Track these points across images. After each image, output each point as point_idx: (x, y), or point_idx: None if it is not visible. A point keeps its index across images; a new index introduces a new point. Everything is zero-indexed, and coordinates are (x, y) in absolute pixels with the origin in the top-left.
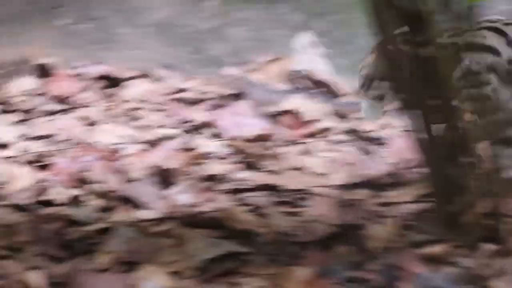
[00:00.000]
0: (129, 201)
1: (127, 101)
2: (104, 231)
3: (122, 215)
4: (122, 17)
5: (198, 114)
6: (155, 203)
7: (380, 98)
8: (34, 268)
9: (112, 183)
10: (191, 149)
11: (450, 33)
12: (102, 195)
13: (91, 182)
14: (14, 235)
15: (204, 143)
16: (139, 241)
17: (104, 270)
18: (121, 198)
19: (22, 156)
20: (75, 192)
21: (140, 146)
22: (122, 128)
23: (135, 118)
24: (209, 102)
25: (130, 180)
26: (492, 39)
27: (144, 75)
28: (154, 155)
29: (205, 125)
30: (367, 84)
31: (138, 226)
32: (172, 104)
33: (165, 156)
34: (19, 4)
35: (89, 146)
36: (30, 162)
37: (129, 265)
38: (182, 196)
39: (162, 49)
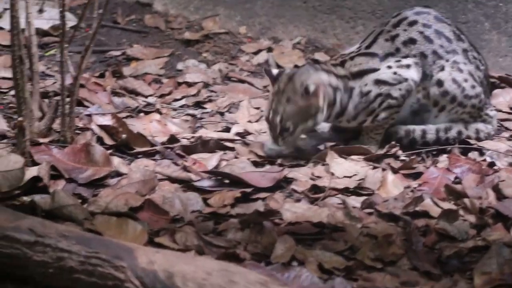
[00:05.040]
0: (505, 219)
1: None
2: (480, 249)
3: (498, 233)
4: (491, 22)
5: None
6: None
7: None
8: (406, 283)
9: (487, 198)
10: None
11: None
12: (477, 211)
13: (464, 196)
14: (387, 247)
15: None
16: None
17: None
18: (496, 215)
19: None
20: (448, 205)
21: (509, 160)
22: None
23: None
24: None
25: (504, 197)
26: None
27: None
28: None
29: None
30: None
31: None
32: None
33: None
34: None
35: (459, 157)
36: (399, 169)
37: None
38: None
39: None
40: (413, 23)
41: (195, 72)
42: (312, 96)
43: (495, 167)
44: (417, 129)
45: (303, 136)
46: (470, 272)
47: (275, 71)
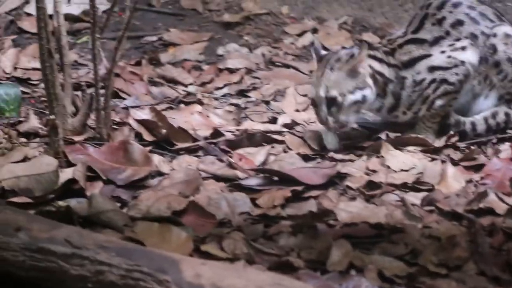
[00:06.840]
0: None
1: None
2: None
3: None
4: None
5: None
6: None
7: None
8: None
9: None
10: None
11: None
12: None
13: None
14: (452, 250)
15: None
16: None
17: None
18: None
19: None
20: None
21: None
22: None
23: None
24: None
25: None
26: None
27: None
28: None
29: None
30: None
31: None
32: None
33: None
34: None
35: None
36: (460, 161)
37: None
38: None
39: None
40: (457, 4)
41: (237, 57)
42: (357, 61)
43: None
44: (467, 121)
45: (354, 125)
46: None
47: (323, 52)
